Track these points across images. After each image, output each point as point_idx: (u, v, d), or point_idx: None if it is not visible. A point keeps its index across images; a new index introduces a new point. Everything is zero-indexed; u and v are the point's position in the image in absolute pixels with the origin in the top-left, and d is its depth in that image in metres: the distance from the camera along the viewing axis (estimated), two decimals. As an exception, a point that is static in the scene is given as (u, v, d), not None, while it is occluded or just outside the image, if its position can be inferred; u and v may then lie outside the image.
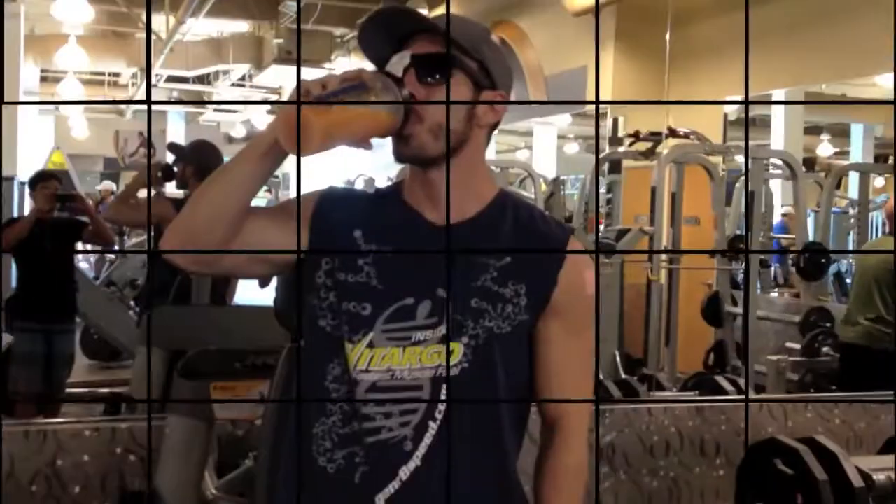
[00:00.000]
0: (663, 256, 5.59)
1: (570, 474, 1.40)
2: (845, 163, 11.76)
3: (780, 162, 6.50)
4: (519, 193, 7.86)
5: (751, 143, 10.53)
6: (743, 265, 5.78)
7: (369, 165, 11.21)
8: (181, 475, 2.24)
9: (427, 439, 1.29)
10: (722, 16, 7.09)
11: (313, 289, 1.35)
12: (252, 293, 3.47)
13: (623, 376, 4.99)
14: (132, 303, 6.80)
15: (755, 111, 11.52)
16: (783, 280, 8.58)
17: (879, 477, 2.50)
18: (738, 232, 7.03)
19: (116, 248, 7.99)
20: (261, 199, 10.85)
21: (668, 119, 5.93)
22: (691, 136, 5.78)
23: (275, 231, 1.34)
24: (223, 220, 1.27)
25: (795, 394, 4.74)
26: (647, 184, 5.59)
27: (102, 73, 14.18)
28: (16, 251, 4.71)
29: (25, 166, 8.73)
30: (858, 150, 12.31)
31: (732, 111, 7.96)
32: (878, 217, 8.49)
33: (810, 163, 9.43)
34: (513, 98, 1.38)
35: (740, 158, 7.81)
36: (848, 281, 7.23)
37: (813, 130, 12.58)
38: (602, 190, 8.18)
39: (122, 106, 15.30)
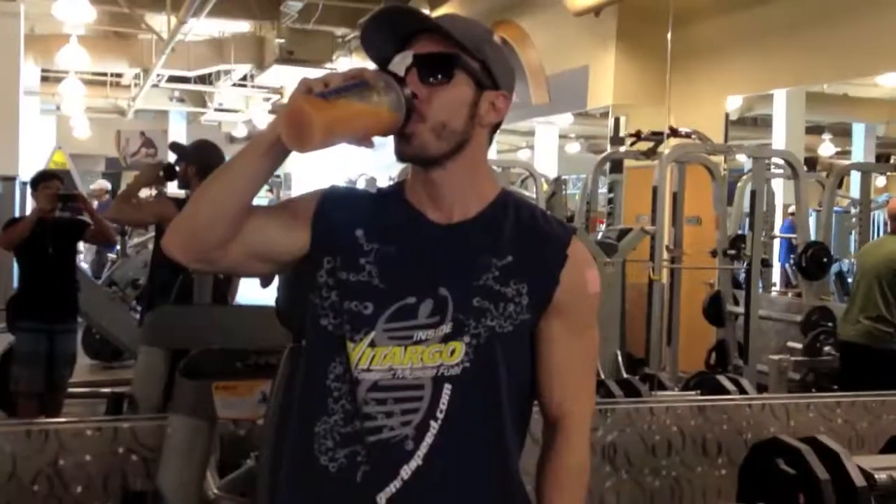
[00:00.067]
0: (665, 256, 5.60)
1: (573, 474, 1.39)
2: (847, 162, 11.76)
3: (781, 161, 6.49)
4: (520, 193, 7.86)
5: (752, 142, 10.54)
6: (744, 265, 5.78)
7: (371, 165, 11.21)
8: (183, 474, 2.25)
9: (429, 439, 1.29)
10: (723, 16, 7.09)
11: (315, 288, 1.35)
12: (254, 293, 3.48)
13: (625, 376, 5.00)
14: (134, 302, 6.81)
15: (757, 111, 11.53)
16: (795, 280, 8.57)
17: (881, 476, 2.50)
18: (740, 231, 7.03)
19: (118, 247, 8.01)
20: (262, 199, 10.86)
21: (670, 119, 5.93)
22: (692, 136, 5.78)
23: (276, 229, 1.34)
24: (225, 217, 1.27)
25: (797, 393, 4.74)
26: (649, 183, 5.59)
27: (105, 74, 14.18)
28: (18, 251, 4.72)
29: (27, 166, 8.74)
30: (860, 150, 12.30)
31: (734, 111, 7.97)
32: (879, 216, 8.49)
33: (812, 162, 9.41)
34: (514, 98, 1.38)
35: (742, 158, 7.81)
36: (850, 280, 7.23)
37: (814, 130, 12.57)
38: (603, 189, 8.18)
39: (124, 106, 15.31)
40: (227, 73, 13.28)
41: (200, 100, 15.81)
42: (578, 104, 8.35)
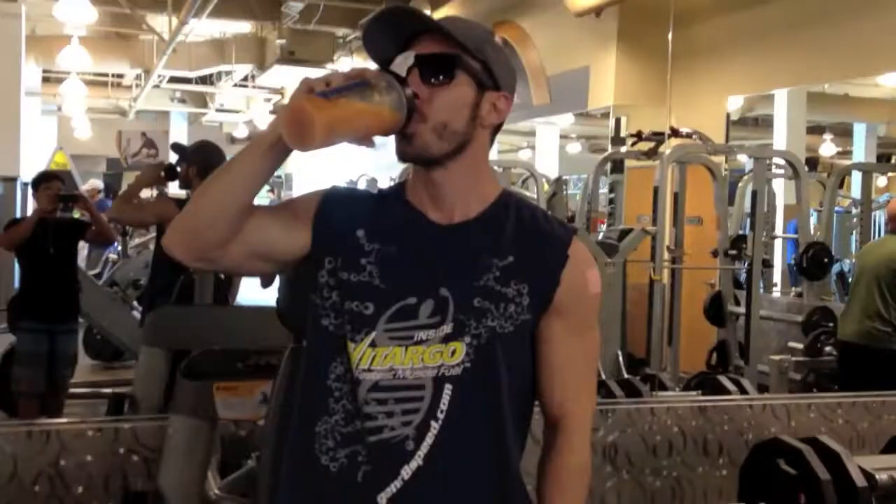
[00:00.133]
0: (666, 256, 5.60)
1: (574, 474, 1.39)
2: (848, 162, 11.75)
3: (783, 161, 6.49)
4: (521, 193, 7.86)
5: (753, 142, 10.54)
6: (745, 265, 5.78)
7: (372, 165, 11.21)
8: (184, 475, 2.25)
9: (429, 439, 1.29)
10: (723, 16, 7.09)
11: (316, 288, 1.35)
12: (254, 293, 3.48)
13: (626, 376, 5.00)
14: (135, 302, 6.81)
15: (758, 111, 11.53)
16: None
17: (882, 476, 2.50)
18: (741, 232, 7.03)
19: (119, 247, 8.02)
20: (263, 199, 10.85)
21: (671, 119, 5.93)
22: (693, 136, 5.78)
23: (278, 229, 1.34)
24: (225, 216, 1.27)
25: (798, 393, 4.74)
26: (650, 183, 5.59)
27: (106, 74, 14.18)
28: (19, 251, 4.72)
29: (28, 167, 8.74)
30: (861, 150, 12.29)
31: (735, 111, 7.96)
32: (880, 216, 8.48)
33: (813, 162, 9.40)
34: (515, 99, 1.39)
35: (743, 157, 7.80)
36: (850, 280, 7.23)
37: (815, 130, 12.56)
38: (604, 190, 8.18)
39: (125, 106, 15.31)
40: (228, 73, 13.28)
41: (201, 100, 15.81)
42: (579, 104, 8.35)
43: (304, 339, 1.43)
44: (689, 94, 6.71)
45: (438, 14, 8.14)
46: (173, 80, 13.84)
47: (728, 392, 4.07)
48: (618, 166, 7.46)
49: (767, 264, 6.92)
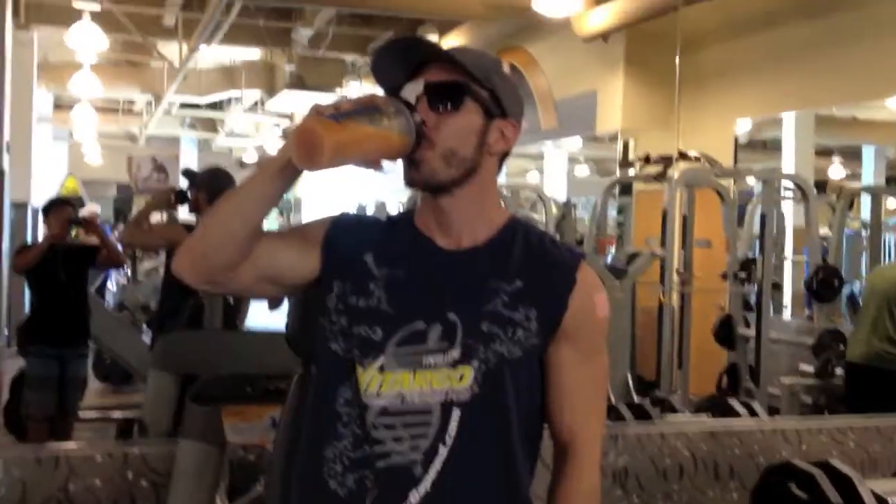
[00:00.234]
0: (675, 279, 5.59)
1: (584, 499, 1.39)
2: (857, 185, 11.73)
3: (791, 184, 6.49)
4: (530, 217, 7.86)
5: (762, 165, 10.54)
6: (755, 288, 5.76)
7: (381, 189, 11.24)
8: (193, 500, 2.24)
9: (437, 464, 1.29)
10: (730, 40, 7.12)
11: (325, 312, 1.36)
12: (263, 317, 3.49)
13: (636, 399, 4.97)
14: (144, 326, 6.83)
15: (766, 134, 11.54)
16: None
17: (894, 500, 2.48)
18: (751, 254, 7.01)
19: (128, 271, 8.05)
20: (272, 223, 10.89)
21: (679, 142, 5.94)
22: (701, 160, 5.79)
23: (287, 253, 1.35)
24: (235, 239, 1.28)
25: (809, 416, 4.71)
26: (658, 206, 5.59)
27: (117, 101, 14.30)
28: (30, 276, 4.75)
29: (40, 192, 8.81)
30: (870, 172, 12.28)
31: (743, 134, 7.97)
32: (890, 239, 8.46)
33: (822, 185, 9.40)
34: (523, 123, 1.40)
35: (751, 181, 7.80)
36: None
37: (824, 152, 12.56)
38: (613, 212, 8.18)
39: (136, 132, 15.41)
40: (237, 99, 13.38)
41: (211, 126, 15.93)
42: (587, 128, 8.38)
43: (312, 364, 1.43)
44: (696, 118, 6.72)
45: (447, 39, 8.20)
46: (184, 105, 13.95)
47: (738, 415, 4.05)
48: (626, 189, 7.47)
49: (777, 287, 6.91)
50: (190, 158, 15.64)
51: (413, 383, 1.30)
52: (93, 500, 2.41)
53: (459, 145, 1.32)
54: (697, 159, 5.78)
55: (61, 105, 13.45)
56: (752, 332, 5.68)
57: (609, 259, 6.76)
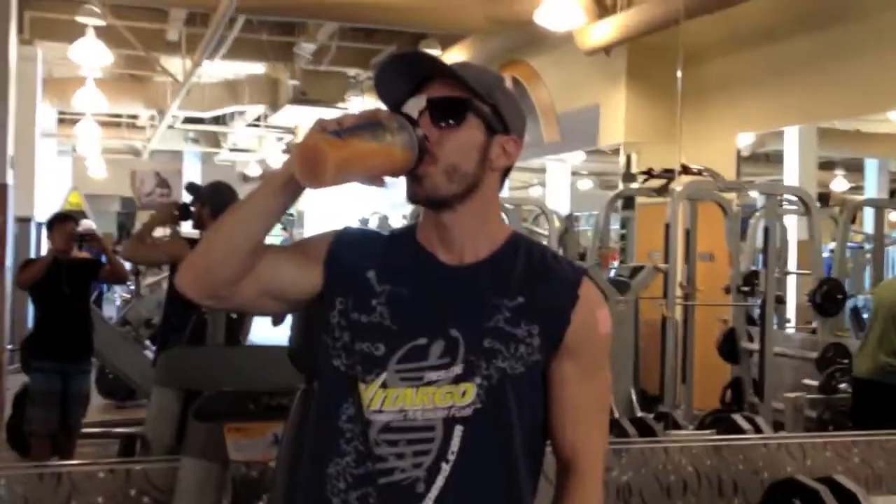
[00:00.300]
0: (678, 292, 5.57)
1: (587, 515, 1.38)
2: (860, 198, 11.72)
3: (794, 198, 6.48)
4: (533, 231, 7.86)
5: (764, 178, 10.54)
6: (759, 301, 5.75)
7: (383, 203, 11.24)
8: (195, 516, 2.24)
9: (440, 481, 1.29)
10: (733, 53, 7.13)
11: (327, 328, 1.36)
12: (266, 332, 3.48)
13: (639, 414, 4.96)
14: (147, 342, 6.82)
15: (769, 147, 11.54)
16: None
17: (900, 517, 2.47)
18: (754, 268, 6.99)
19: (132, 286, 8.05)
20: (276, 238, 10.89)
21: (681, 156, 5.94)
22: (704, 173, 5.78)
23: (290, 269, 1.35)
24: (238, 254, 1.28)
25: (814, 431, 4.69)
26: (661, 220, 5.59)
27: (120, 115, 14.34)
28: (33, 291, 4.75)
29: (43, 207, 8.82)
30: (873, 185, 12.25)
31: (746, 147, 7.97)
32: (893, 252, 8.44)
33: (825, 198, 9.39)
34: (525, 138, 1.40)
35: (754, 194, 7.80)
36: (865, 316, 7.17)
37: (827, 165, 12.54)
38: (615, 226, 8.18)
39: (140, 146, 15.45)
40: (241, 113, 13.41)
41: (214, 140, 15.95)
42: (590, 142, 8.38)
43: (315, 380, 1.43)
44: (699, 131, 6.72)
45: (449, 54, 8.22)
46: (187, 120, 13.97)
47: (743, 430, 4.03)
48: (629, 203, 7.47)
49: (780, 300, 6.89)
50: (193, 173, 15.65)
51: (415, 399, 1.29)
52: (95, 516, 2.40)
53: (461, 161, 1.32)
54: (700, 173, 5.78)
55: (65, 120, 13.47)
56: (755, 345, 5.67)
57: (612, 273, 6.75)
